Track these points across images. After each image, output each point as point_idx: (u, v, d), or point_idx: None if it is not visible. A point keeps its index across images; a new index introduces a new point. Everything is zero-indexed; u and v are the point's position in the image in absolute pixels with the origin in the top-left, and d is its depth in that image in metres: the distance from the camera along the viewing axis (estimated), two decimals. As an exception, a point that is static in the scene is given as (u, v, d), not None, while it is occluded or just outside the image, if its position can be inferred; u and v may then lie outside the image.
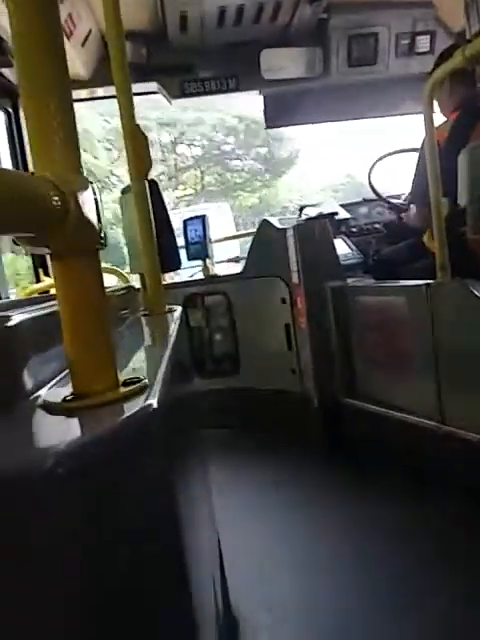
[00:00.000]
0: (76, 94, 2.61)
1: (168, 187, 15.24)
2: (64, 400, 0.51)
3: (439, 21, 2.71)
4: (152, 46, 2.63)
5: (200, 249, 2.72)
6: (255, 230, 2.67)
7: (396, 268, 2.19)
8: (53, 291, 0.56)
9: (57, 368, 0.62)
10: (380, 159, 2.82)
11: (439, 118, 2.08)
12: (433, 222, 1.71)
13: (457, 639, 1.18)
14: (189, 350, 2.43)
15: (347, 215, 2.80)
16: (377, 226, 2.86)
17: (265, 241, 2.49)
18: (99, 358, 0.53)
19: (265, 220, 2.56)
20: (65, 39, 2.02)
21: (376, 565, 1.45)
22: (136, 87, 2.55)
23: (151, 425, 0.49)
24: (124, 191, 1.40)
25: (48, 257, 0.53)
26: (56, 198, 0.48)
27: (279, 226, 2.42)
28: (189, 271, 3.75)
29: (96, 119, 13.54)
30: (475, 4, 1.81)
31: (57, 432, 0.47)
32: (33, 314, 0.62)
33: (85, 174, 0.54)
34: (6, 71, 2.22)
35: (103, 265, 0.57)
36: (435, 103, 1.97)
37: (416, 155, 2.12)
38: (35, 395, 0.54)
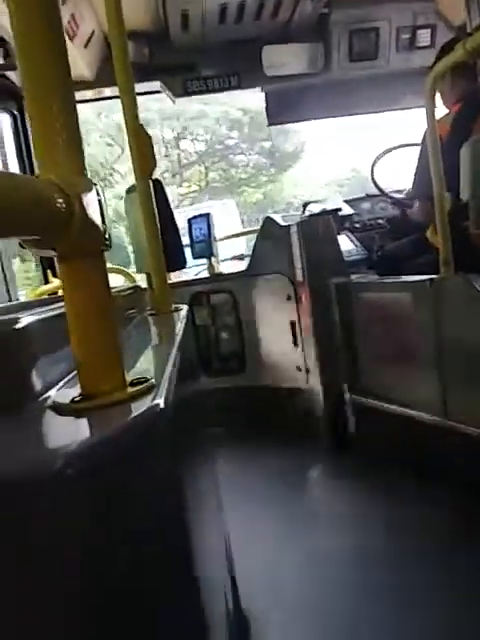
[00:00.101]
0: (80, 95, 2.61)
1: (171, 183, 15.08)
2: (72, 401, 0.51)
3: (439, 15, 2.69)
4: (154, 45, 2.63)
5: (205, 248, 2.72)
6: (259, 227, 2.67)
7: (400, 264, 2.18)
8: (61, 292, 0.56)
9: (66, 369, 0.62)
10: (383, 154, 2.81)
11: (440, 112, 2.06)
12: (436, 217, 1.70)
13: (460, 632, 1.18)
14: (195, 349, 2.43)
15: (351, 211, 2.79)
16: (380, 222, 2.85)
17: (269, 238, 2.49)
18: (106, 359, 0.54)
19: (268, 217, 2.56)
20: (68, 40, 2.04)
21: (380, 559, 1.45)
22: (139, 87, 2.55)
23: (159, 425, 0.49)
24: (129, 191, 1.40)
25: (55, 259, 0.53)
26: (61, 200, 0.48)
27: (283, 223, 2.42)
28: (196, 269, 3.76)
29: (92, 114, 13.42)
30: (476, -3, 1.80)
31: (66, 433, 0.47)
32: (41, 316, 0.62)
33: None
34: (12, 74, 2.23)
35: (109, 265, 0.58)
36: (437, 97, 1.96)
37: (418, 150, 2.12)
38: (44, 396, 0.55)
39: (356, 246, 2.67)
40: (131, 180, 1.25)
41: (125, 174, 13.15)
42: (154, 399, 0.51)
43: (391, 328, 1.93)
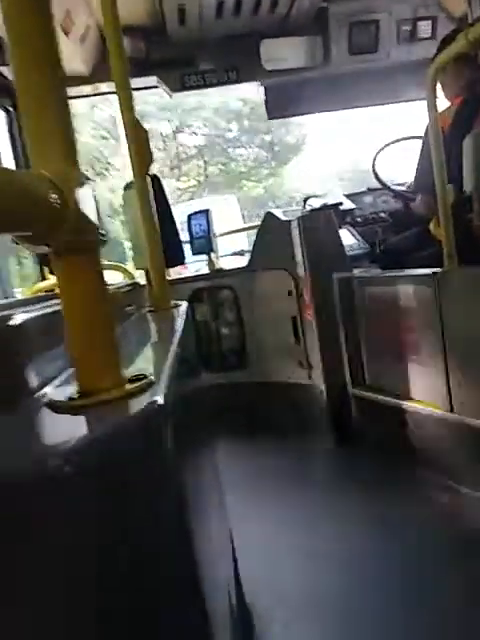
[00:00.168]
0: (76, 91, 2.60)
1: (170, 177, 14.79)
2: (69, 398, 0.51)
3: (440, 6, 2.67)
4: (151, 40, 2.61)
5: (205, 244, 2.72)
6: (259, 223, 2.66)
7: (403, 257, 2.17)
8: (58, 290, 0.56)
9: (62, 366, 0.62)
10: (384, 148, 2.79)
11: (442, 105, 2.05)
12: (439, 210, 1.69)
13: (463, 629, 1.18)
14: (196, 345, 2.43)
15: (352, 205, 2.78)
16: (383, 215, 2.83)
17: (270, 234, 2.48)
18: (103, 355, 0.53)
19: (269, 213, 2.55)
20: (63, 36, 2.02)
21: (383, 554, 1.45)
22: (136, 82, 2.54)
23: (157, 422, 0.49)
24: (126, 187, 1.40)
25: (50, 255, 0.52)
26: (54, 196, 0.48)
27: (283, 218, 2.41)
28: (197, 265, 3.75)
29: (86, 107, 13.20)
30: (477, -13, 1.78)
31: (63, 430, 0.47)
32: (38, 313, 0.62)
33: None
34: (5, 69, 2.22)
35: (107, 262, 0.57)
36: (439, 88, 1.95)
37: (421, 142, 2.10)
38: (40, 393, 0.54)
39: (358, 240, 2.66)
40: (127, 174, 1.25)
41: (121, 168, 12.96)
42: (152, 396, 0.50)
43: (394, 322, 1.92)
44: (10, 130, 2.49)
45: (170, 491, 0.49)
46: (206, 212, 2.74)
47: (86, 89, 2.63)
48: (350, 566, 1.44)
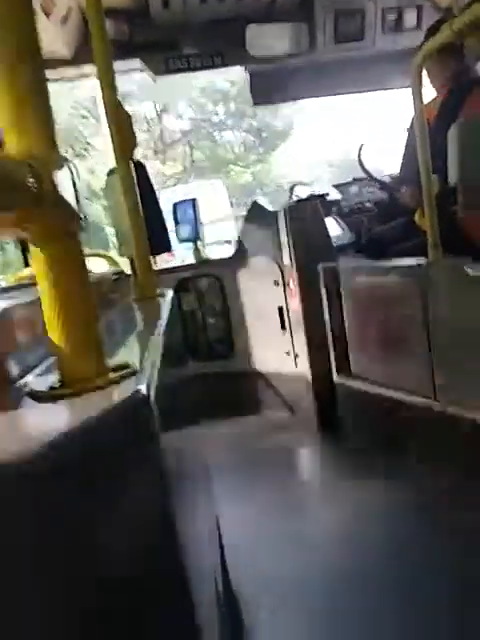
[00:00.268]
0: (59, 73, 2.55)
1: (153, 159, 14.34)
2: (51, 388, 0.50)
3: None
4: (134, 23, 2.57)
5: (191, 232, 2.70)
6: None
7: (388, 247, 2.17)
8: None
9: (44, 355, 0.61)
10: (370, 139, 2.79)
11: (428, 95, 2.05)
12: (424, 201, 1.69)
13: (449, 617, 1.20)
14: (182, 334, 2.42)
15: (338, 195, 2.78)
16: (368, 206, 2.84)
17: (256, 223, 2.47)
18: (85, 344, 0.52)
19: (256, 202, 2.54)
20: (44, 17, 1.97)
21: (368, 542, 1.46)
22: (119, 65, 2.49)
23: (140, 411, 0.48)
24: (110, 173, 1.37)
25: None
26: (31, 180, 0.46)
27: (270, 208, 2.40)
28: (185, 254, 3.73)
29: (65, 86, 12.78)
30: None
31: (44, 420, 0.46)
32: (19, 300, 0.61)
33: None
34: None
35: (91, 250, 0.56)
36: (425, 78, 1.94)
37: (406, 133, 2.10)
38: (21, 383, 0.53)
39: (344, 230, 2.66)
40: (107, 155, 1.22)
41: (101, 149, 12.55)
42: (135, 385, 0.49)
43: (379, 312, 1.93)
44: None
45: (153, 481, 0.49)
46: (193, 200, 2.72)
47: (67, 72, 2.58)
48: (332, 551, 1.45)
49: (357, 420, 2.13)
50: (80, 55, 2.45)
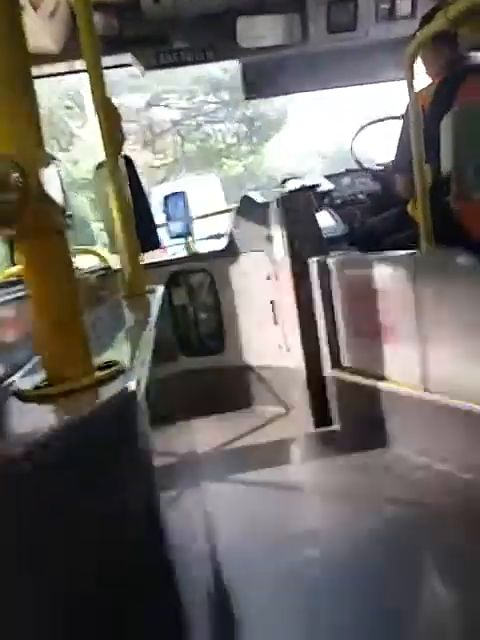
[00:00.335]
0: (47, 69, 2.52)
1: (143, 150, 14.00)
2: (36, 387, 0.50)
3: None
4: (124, 17, 2.54)
5: (182, 227, 2.69)
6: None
7: (381, 239, 2.17)
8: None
9: (31, 354, 0.60)
10: (363, 128, 2.78)
11: (422, 84, 2.04)
12: (417, 191, 1.69)
13: (430, 598, 1.21)
14: (173, 329, 2.41)
15: (330, 186, 2.77)
16: (361, 197, 2.83)
17: (247, 216, 2.46)
18: (72, 343, 0.52)
19: (246, 195, 2.52)
20: (32, 11, 1.94)
21: (360, 534, 1.47)
22: (109, 59, 2.46)
23: (129, 409, 0.48)
24: (98, 167, 1.36)
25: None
26: (16, 176, 0.46)
27: (261, 200, 2.39)
28: (177, 249, 3.71)
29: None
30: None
31: (29, 420, 0.46)
32: (4, 298, 0.60)
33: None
34: None
35: (80, 246, 0.55)
36: (420, 67, 1.93)
37: (400, 122, 2.09)
38: (7, 382, 0.53)
39: (336, 222, 2.66)
40: (91, 142, 1.21)
41: (86, 138, 12.22)
42: (123, 383, 0.49)
43: (371, 304, 1.93)
44: None
45: (142, 479, 0.49)
46: (183, 194, 2.70)
47: (55, 67, 2.55)
48: (323, 540, 1.46)
49: (349, 412, 2.14)
50: (68, 50, 2.42)
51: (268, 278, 2.38)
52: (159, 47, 2.65)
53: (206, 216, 4.17)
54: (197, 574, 0.77)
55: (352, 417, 2.13)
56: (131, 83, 12.24)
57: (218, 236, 3.78)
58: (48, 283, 0.51)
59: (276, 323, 2.41)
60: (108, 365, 0.53)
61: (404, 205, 2.14)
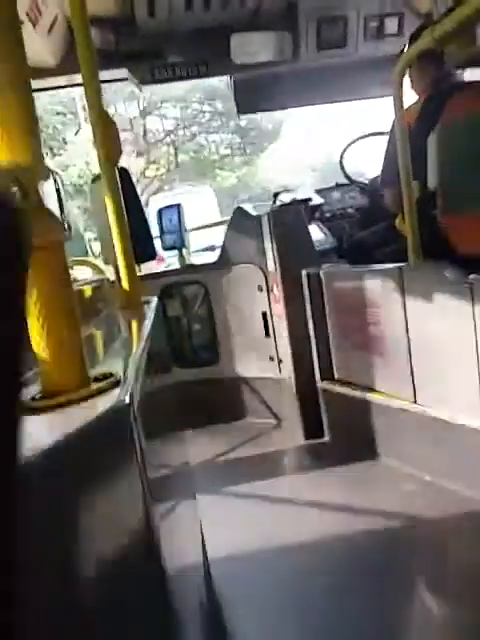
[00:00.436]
0: (45, 82, 2.54)
1: (136, 164, 13.96)
2: (32, 399, 0.50)
3: (406, 2, 2.71)
4: (120, 32, 2.57)
5: (176, 239, 2.70)
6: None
7: (370, 252, 2.20)
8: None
9: (26, 366, 0.61)
10: (352, 143, 2.82)
11: (409, 101, 2.08)
12: (404, 205, 1.71)
13: (420, 607, 1.21)
14: (167, 341, 2.41)
15: (321, 200, 2.80)
16: (350, 211, 2.87)
17: (240, 229, 2.48)
18: (68, 354, 0.52)
19: (239, 208, 2.55)
20: (31, 27, 1.96)
21: (350, 545, 1.48)
22: (105, 74, 2.48)
23: (124, 422, 0.48)
24: (94, 180, 1.37)
25: None
26: (16, 190, 0.47)
27: (253, 213, 2.41)
28: (173, 260, 3.72)
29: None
30: (442, -15, 1.80)
31: (25, 432, 0.46)
32: None
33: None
34: None
35: (76, 258, 0.56)
36: (407, 85, 1.97)
37: (387, 138, 2.13)
38: None
39: (326, 235, 2.68)
40: (81, 148, 1.22)
41: (77, 142, 12.11)
42: (119, 395, 0.50)
43: (361, 316, 1.95)
44: None
45: (136, 490, 0.49)
46: (177, 206, 2.72)
47: (53, 81, 2.57)
48: (314, 551, 1.46)
49: (339, 423, 2.15)
50: (66, 64, 2.44)
51: (260, 290, 2.40)
52: (154, 62, 2.69)
53: (201, 228, 4.19)
54: (190, 585, 0.77)
55: (342, 429, 2.14)
56: (126, 91, 12.27)
57: (213, 248, 3.79)
58: (45, 295, 0.51)
59: (268, 335, 2.42)
60: (104, 377, 0.54)
61: (392, 219, 2.17)
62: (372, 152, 2.74)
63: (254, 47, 2.67)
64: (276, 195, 2.77)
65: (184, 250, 2.74)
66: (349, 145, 2.80)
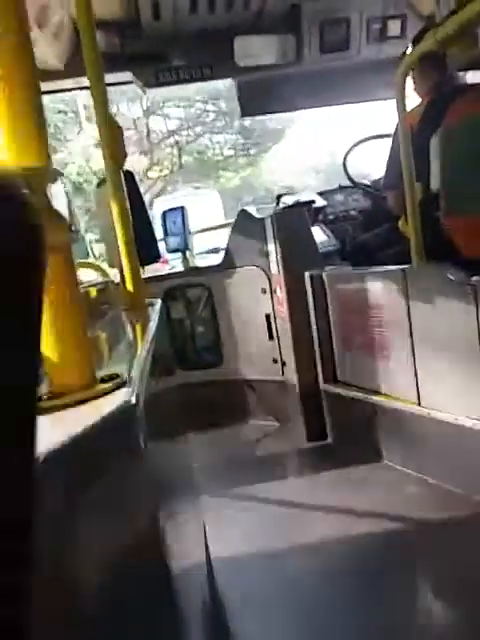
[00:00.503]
0: (51, 85, 2.55)
1: (139, 164, 13.89)
2: (39, 399, 0.50)
3: (409, 5, 2.71)
4: (125, 35, 2.58)
5: (180, 241, 2.70)
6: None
7: (373, 254, 2.20)
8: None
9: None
10: (355, 145, 2.82)
11: (412, 103, 2.08)
12: (407, 207, 1.72)
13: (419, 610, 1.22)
14: (171, 343, 2.42)
15: (324, 203, 2.81)
16: (353, 213, 2.87)
17: (243, 231, 2.48)
18: (75, 355, 0.53)
19: (243, 210, 2.55)
20: (37, 30, 1.98)
21: (353, 547, 1.47)
22: (110, 77, 2.49)
23: (130, 422, 0.49)
24: (99, 184, 1.38)
25: None
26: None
27: (257, 216, 2.42)
28: (177, 262, 3.73)
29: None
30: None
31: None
32: None
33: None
34: None
35: (81, 260, 0.57)
36: (410, 87, 1.97)
37: (390, 140, 2.13)
38: None
39: (329, 237, 2.69)
40: (80, 144, 1.22)
41: (75, 139, 12.06)
42: (125, 396, 0.50)
43: (364, 318, 1.95)
44: None
45: (143, 491, 0.49)
46: (181, 209, 2.73)
47: (59, 83, 2.58)
48: (317, 553, 1.46)
49: (342, 426, 2.15)
50: (71, 67, 2.45)
51: (264, 292, 2.40)
52: (158, 65, 2.70)
53: (205, 230, 4.19)
54: (193, 585, 0.77)
55: (346, 431, 2.14)
56: (130, 92, 12.24)
57: (217, 250, 3.80)
58: (52, 298, 0.52)
59: (271, 337, 2.42)
60: (110, 378, 0.54)
61: (395, 221, 2.17)
62: (375, 154, 2.74)
63: (257, 50, 2.68)
64: (279, 197, 2.78)
65: (188, 252, 2.75)
66: (352, 147, 2.80)
